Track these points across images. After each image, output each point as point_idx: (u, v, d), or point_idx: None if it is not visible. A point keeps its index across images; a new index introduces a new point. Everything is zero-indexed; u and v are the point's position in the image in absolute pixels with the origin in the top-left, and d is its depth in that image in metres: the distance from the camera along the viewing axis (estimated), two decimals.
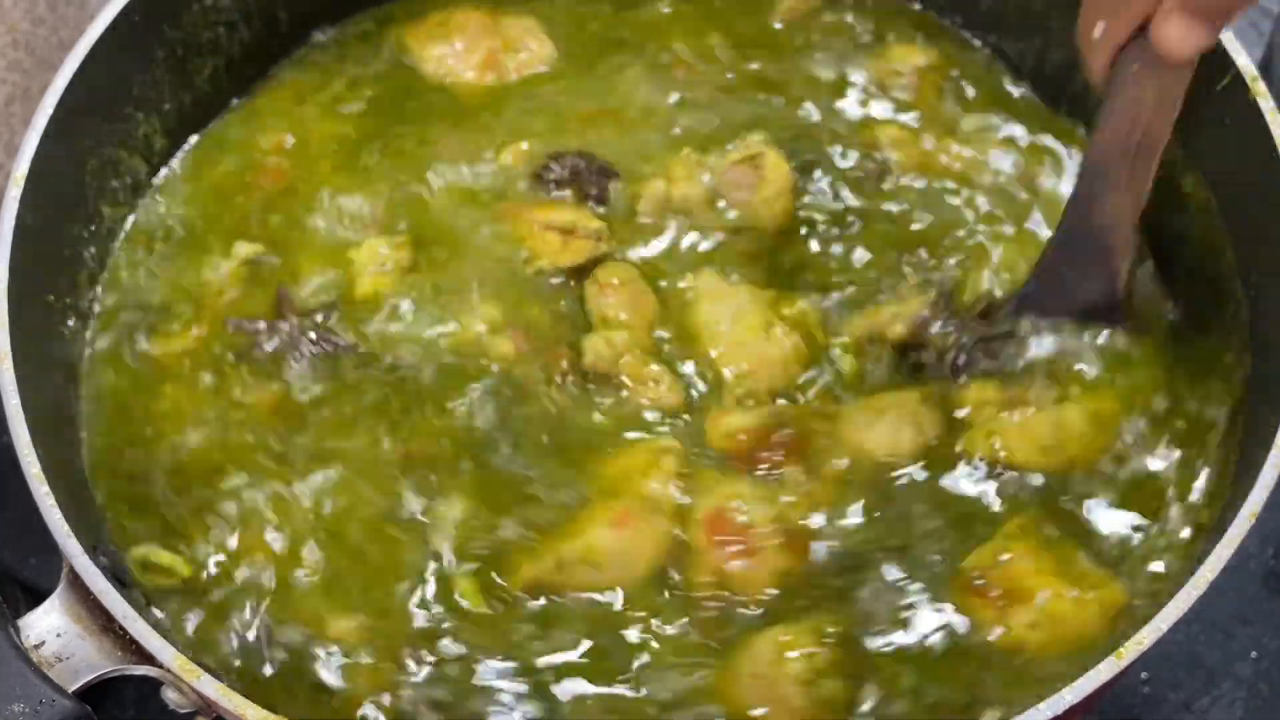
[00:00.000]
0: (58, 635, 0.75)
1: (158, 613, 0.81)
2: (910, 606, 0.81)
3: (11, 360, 0.80)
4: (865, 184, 0.98)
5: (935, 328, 0.89)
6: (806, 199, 0.97)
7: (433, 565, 0.83)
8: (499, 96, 1.03)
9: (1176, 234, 0.96)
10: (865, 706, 0.78)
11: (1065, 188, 0.98)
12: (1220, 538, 0.75)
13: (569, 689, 0.79)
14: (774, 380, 0.89)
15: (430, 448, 0.87)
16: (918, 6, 1.08)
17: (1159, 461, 0.87)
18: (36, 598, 0.79)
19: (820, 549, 0.83)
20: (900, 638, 0.81)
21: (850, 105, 1.02)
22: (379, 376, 0.90)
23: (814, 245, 0.96)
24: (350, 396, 0.90)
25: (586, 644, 0.80)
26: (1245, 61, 0.88)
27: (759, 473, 0.85)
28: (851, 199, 0.98)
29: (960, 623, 0.81)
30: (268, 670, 0.80)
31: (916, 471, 0.86)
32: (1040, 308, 0.87)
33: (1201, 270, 0.94)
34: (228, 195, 1.00)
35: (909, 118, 1.02)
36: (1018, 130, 1.02)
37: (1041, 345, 0.87)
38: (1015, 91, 1.05)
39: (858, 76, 1.04)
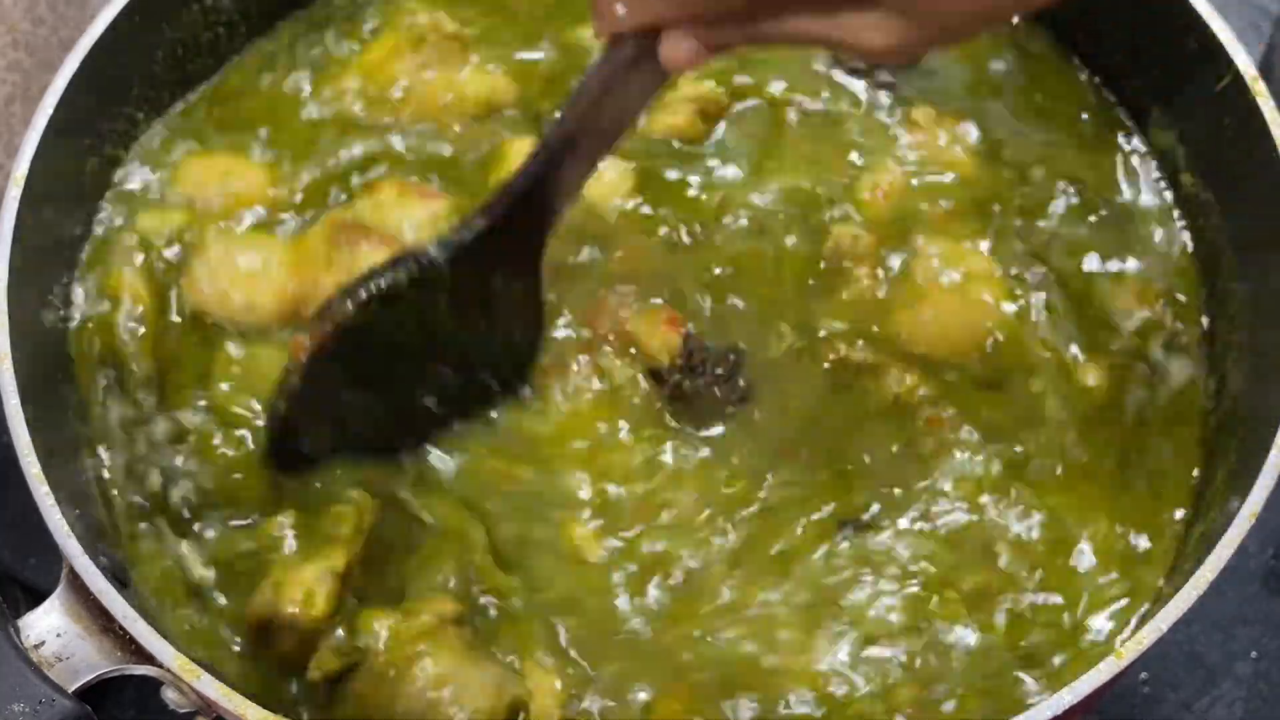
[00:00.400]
0: (58, 635, 0.75)
1: None
2: None
3: (11, 360, 0.80)
4: None
5: None
6: None
7: None
8: None
9: (1176, 234, 0.97)
10: None
11: None
12: (1220, 538, 0.75)
13: None
14: None
15: None
16: None
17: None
18: (37, 598, 0.79)
19: None
20: None
21: None
22: None
23: None
24: None
25: None
26: (1245, 61, 0.88)
27: None
28: None
29: None
30: None
31: None
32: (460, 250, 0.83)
33: (1201, 270, 0.94)
34: None
35: None
36: None
37: None
38: None
39: None
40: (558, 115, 0.81)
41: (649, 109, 0.81)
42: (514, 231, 0.83)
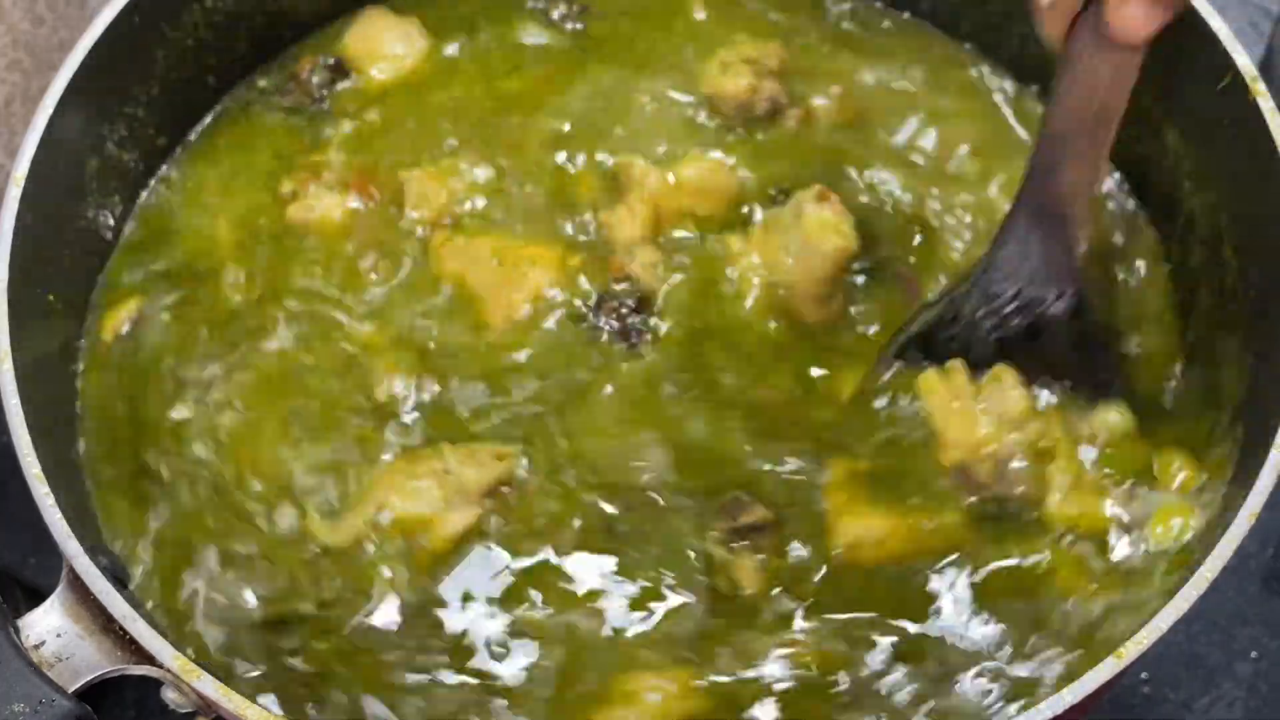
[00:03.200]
0: (58, 635, 0.75)
1: None
2: None
3: (11, 360, 0.80)
4: None
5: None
6: None
7: None
8: None
9: (1177, 235, 0.97)
10: None
11: None
12: (1220, 537, 0.75)
13: None
14: None
15: None
16: None
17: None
18: (36, 598, 0.79)
19: None
20: None
21: None
22: None
23: None
24: None
25: None
26: (1245, 61, 0.87)
27: None
28: None
29: None
30: None
31: None
32: (997, 279, 0.87)
33: (1202, 271, 0.94)
34: None
35: None
36: None
37: None
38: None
39: None
40: (1042, 123, 0.84)
41: (1129, 88, 0.82)
42: (1032, 248, 0.86)
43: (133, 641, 0.73)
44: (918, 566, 0.84)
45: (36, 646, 0.74)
